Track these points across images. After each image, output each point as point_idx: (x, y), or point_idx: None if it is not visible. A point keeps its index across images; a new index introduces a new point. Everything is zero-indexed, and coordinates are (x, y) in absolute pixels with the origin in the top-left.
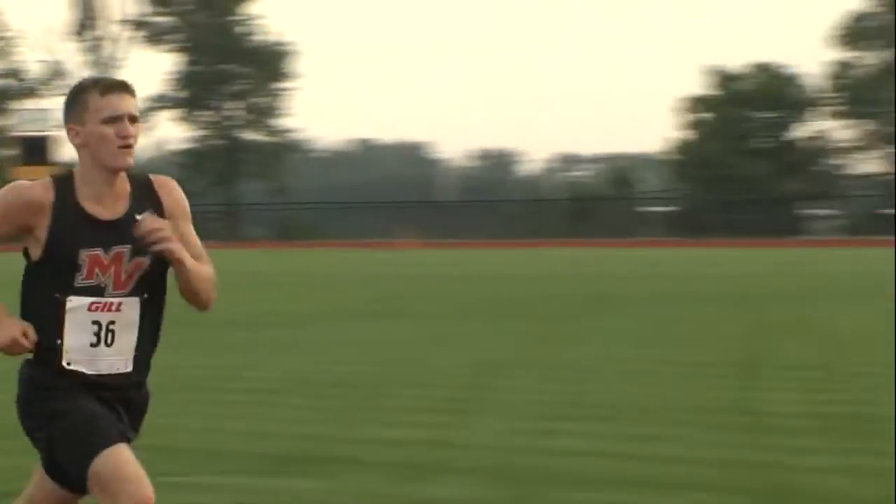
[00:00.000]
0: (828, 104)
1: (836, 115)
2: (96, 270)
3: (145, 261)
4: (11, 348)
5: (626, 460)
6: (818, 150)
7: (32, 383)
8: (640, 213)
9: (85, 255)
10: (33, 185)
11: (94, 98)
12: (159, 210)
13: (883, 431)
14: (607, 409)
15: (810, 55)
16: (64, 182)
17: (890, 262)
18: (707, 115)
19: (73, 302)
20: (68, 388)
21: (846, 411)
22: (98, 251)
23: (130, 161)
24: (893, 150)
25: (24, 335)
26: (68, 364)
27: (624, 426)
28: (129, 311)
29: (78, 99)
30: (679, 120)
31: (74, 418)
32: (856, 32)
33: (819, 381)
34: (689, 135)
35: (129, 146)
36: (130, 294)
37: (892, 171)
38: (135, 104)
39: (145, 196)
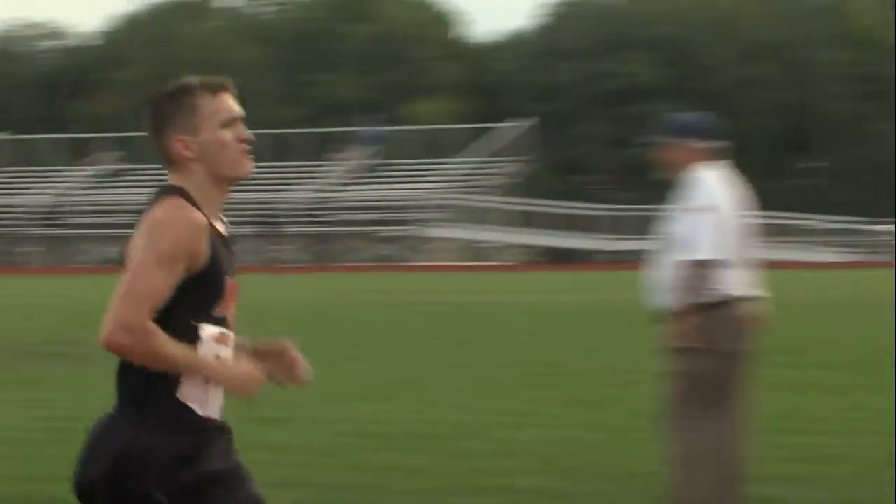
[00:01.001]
0: None
1: None
2: (228, 300)
3: None
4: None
5: None
6: None
7: (161, 452)
8: None
9: (229, 282)
10: (186, 204)
11: (205, 100)
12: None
13: None
14: None
15: None
16: (191, 200)
17: None
18: None
19: (206, 331)
20: (218, 451)
21: None
22: (232, 278)
23: (251, 166)
24: None
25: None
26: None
27: None
28: (233, 348)
29: (185, 104)
30: None
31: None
32: None
33: None
34: None
35: (249, 150)
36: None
37: None
38: None
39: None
